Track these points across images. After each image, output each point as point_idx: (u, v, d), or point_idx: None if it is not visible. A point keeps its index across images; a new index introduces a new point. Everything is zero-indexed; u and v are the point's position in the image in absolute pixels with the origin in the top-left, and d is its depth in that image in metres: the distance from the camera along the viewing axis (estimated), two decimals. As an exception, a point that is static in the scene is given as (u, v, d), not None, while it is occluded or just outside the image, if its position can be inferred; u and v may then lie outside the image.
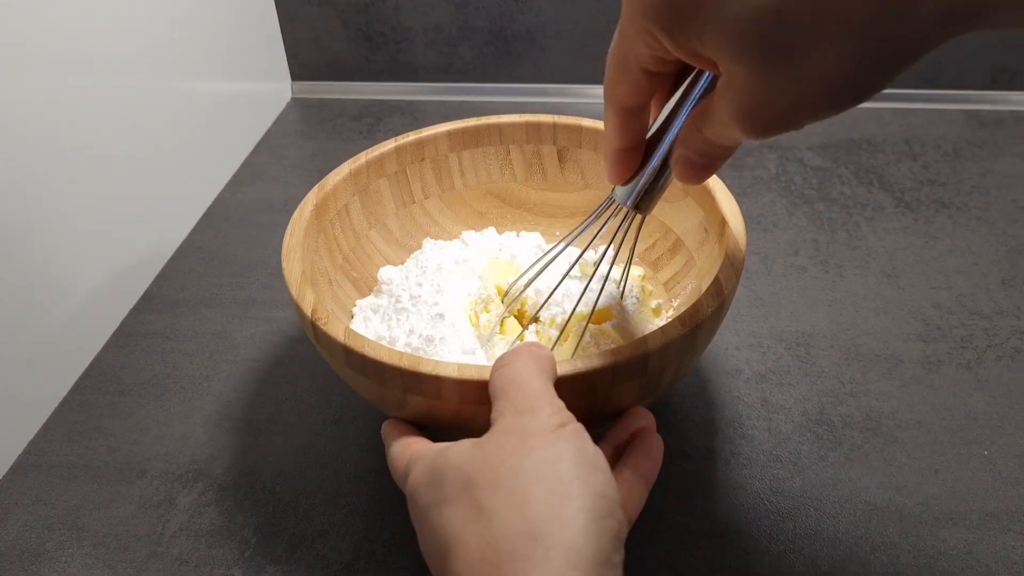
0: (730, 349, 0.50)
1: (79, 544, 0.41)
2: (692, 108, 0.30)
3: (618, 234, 0.38)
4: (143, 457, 0.45)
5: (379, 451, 0.45)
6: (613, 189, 0.35)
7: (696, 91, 0.30)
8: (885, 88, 0.24)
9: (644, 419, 0.35)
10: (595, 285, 0.42)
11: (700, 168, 0.30)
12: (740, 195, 0.64)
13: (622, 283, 0.43)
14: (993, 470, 0.42)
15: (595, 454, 0.28)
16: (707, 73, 0.29)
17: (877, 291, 0.54)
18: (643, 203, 0.34)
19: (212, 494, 0.43)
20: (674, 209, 0.47)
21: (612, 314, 0.43)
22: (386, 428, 0.37)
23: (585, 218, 0.39)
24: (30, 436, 0.47)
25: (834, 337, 0.51)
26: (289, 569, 0.39)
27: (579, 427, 0.29)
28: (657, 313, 0.45)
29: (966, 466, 0.42)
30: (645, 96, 0.30)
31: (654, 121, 0.32)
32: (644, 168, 0.33)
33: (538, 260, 0.43)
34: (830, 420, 0.45)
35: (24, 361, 0.46)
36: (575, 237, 0.40)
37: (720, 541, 0.40)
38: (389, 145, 0.48)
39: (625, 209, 0.35)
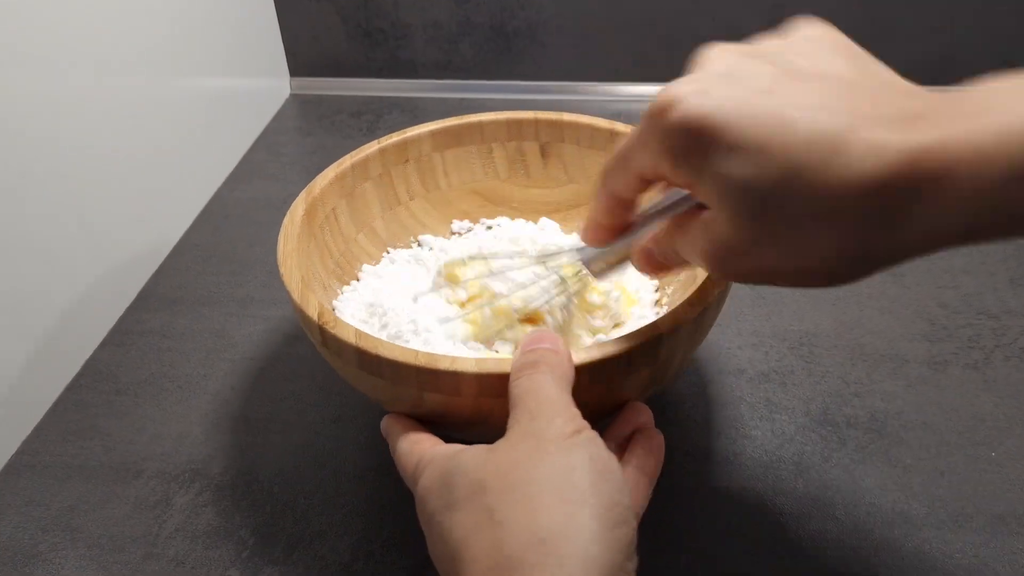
0: (733, 348, 0.50)
1: (73, 545, 0.40)
2: (672, 216, 0.30)
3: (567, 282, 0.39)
4: (139, 457, 0.45)
5: (378, 450, 0.44)
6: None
7: (682, 206, 0.30)
8: (860, 279, 0.25)
9: (644, 415, 0.35)
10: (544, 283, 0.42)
11: (657, 267, 0.32)
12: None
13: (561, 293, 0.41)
14: (1001, 472, 0.42)
15: (608, 461, 0.28)
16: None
17: (882, 290, 0.54)
18: (600, 271, 0.36)
19: (209, 494, 0.42)
20: None
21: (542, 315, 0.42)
22: (388, 423, 0.36)
23: (554, 253, 0.40)
24: (24, 436, 0.46)
25: (838, 337, 0.50)
26: (287, 570, 0.39)
27: (593, 434, 0.29)
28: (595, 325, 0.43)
29: (973, 468, 0.42)
30: (635, 193, 0.31)
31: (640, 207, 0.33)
32: (614, 244, 0.34)
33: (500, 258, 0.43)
34: (834, 421, 0.45)
35: (19, 359, 0.46)
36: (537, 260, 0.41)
37: (722, 542, 0.39)
38: (373, 147, 0.48)
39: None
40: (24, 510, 0.42)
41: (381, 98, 0.81)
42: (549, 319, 0.40)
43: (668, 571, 0.38)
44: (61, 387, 0.49)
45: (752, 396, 0.47)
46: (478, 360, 0.33)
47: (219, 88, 0.68)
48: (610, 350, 0.32)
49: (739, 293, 0.54)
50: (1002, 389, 0.46)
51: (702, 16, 0.75)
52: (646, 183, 0.29)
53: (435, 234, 0.51)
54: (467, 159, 0.51)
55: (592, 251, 0.35)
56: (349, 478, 0.43)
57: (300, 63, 0.82)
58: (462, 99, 0.80)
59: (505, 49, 0.79)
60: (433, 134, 0.49)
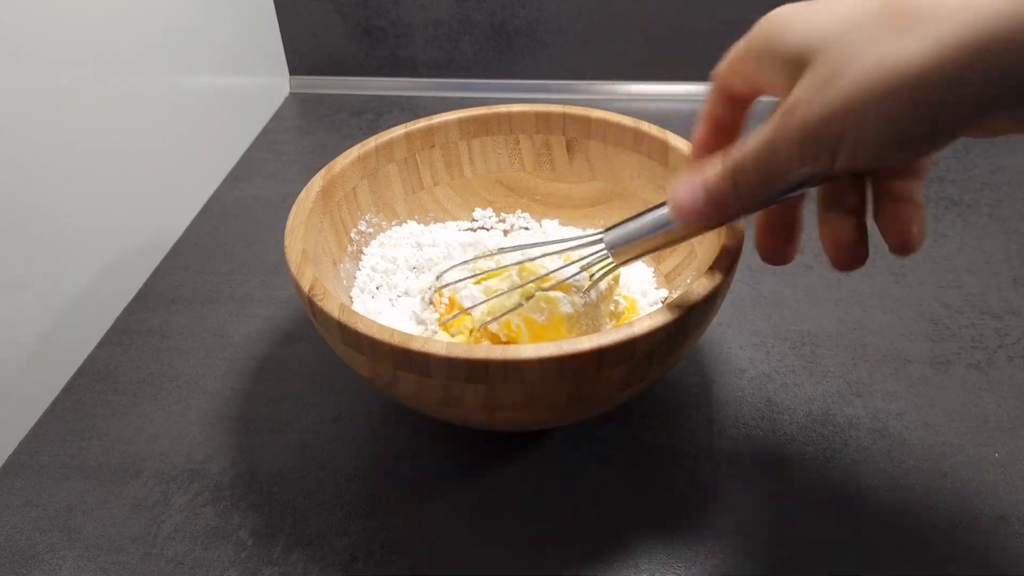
0: (734, 348, 0.49)
1: (71, 546, 0.40)
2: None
3: (592, 268, 0.38)
4: (137, 457, 0.44)
5: (378, 450, 0.44)
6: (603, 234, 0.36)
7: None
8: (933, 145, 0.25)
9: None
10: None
11: (703, 207, 0.31)
12: (744, 192, 0.63)
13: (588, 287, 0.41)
14: (1004, 473, 0.41)
15: None
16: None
17: (884, 290, 0.53)
18: (622, 249, 0.35)
19: (208, 495, 0.42)
20: None
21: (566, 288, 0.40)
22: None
23: (567, 241, 0.39)
24: (21, 436, 0.46)
25: (840, 337, 0.50)
26: (286, 571, 0.38)
27: None
28: (616, 316, 0.43)
29: (976, 469, 0.42)
30: (747, 86, 0.31)
31: None
32: (643, 226, 0.34)
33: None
34: (836, 421, 0.45)
35: (17, 359, 0.46)
36: (544, 254, 0.40)
37: (723, 543, 0.39)
38: (399, 131, 0.49)
39: (605, 253, 0.36)
40: (22, 511, 0.42)
41: (381, 97, 0.81)
42: (566, 304, 0.39)
43: (668, 571, 0.38)
44: (59, 387, 0.49)
45: (753, 396, 0.46)
46: (448, 344, 0.33)
47: (218, 86, 0.68)
48: (582, 346, 0.33)
49: (741, 294, 0.54)
50: (1005, 390, 0.46)
51: (703, 14, 0.74)
52: (752, 83, 0.30)
53: (456, 219, 0.52)
54: (494, 148, 0.51)
55: (618, 234, 0.35)
56: (348, 478, 0.43)
57: (300, 61, 0.82)
58: (463, 98, 0.80)
59: (506, 47, 0.79)
60: (461, 122, 0.50)
